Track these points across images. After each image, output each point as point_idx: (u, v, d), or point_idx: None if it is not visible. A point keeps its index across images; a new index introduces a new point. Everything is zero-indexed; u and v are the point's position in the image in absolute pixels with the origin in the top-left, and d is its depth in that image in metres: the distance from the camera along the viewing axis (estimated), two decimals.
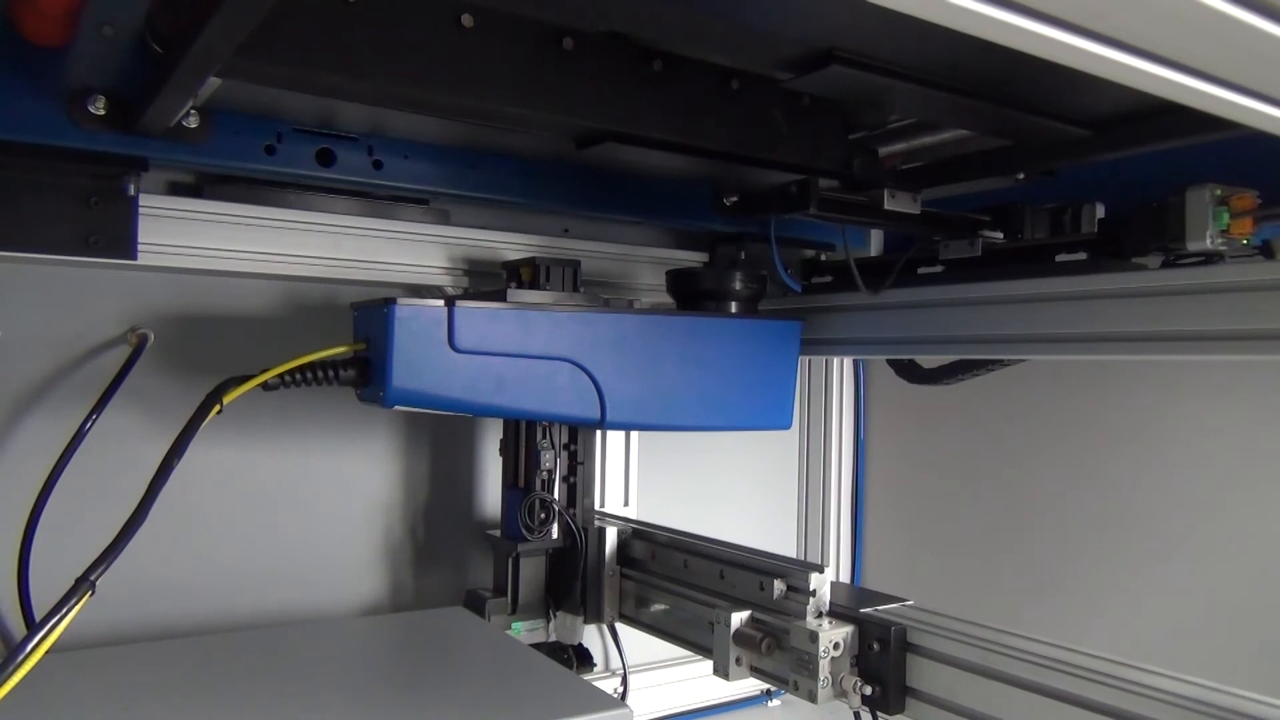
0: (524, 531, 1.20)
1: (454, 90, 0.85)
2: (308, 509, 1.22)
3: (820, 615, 0.96)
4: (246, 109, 0.96)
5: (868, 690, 0.92)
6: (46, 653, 0.65)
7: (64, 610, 0.67)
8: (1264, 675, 1.10)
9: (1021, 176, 1.12)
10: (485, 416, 1.31)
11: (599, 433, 1.30)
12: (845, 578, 1.63)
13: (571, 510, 1.26)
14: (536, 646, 1.16)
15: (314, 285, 1.19)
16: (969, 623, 0.93)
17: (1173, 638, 1.22)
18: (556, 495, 1.24)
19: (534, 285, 1.11)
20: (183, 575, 1.12)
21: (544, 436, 1.22)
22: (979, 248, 1.15)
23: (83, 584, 0.68)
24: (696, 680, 1.43)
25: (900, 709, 0.92)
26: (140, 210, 0.96)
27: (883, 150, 1.14)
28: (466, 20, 0.84)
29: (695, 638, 1.12)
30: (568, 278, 1.12)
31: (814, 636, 0.93)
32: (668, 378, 1.10)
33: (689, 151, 1.02)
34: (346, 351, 0.96)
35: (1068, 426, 1.34)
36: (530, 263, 1.13)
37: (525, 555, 1.23)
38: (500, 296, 1.02)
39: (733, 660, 1.02)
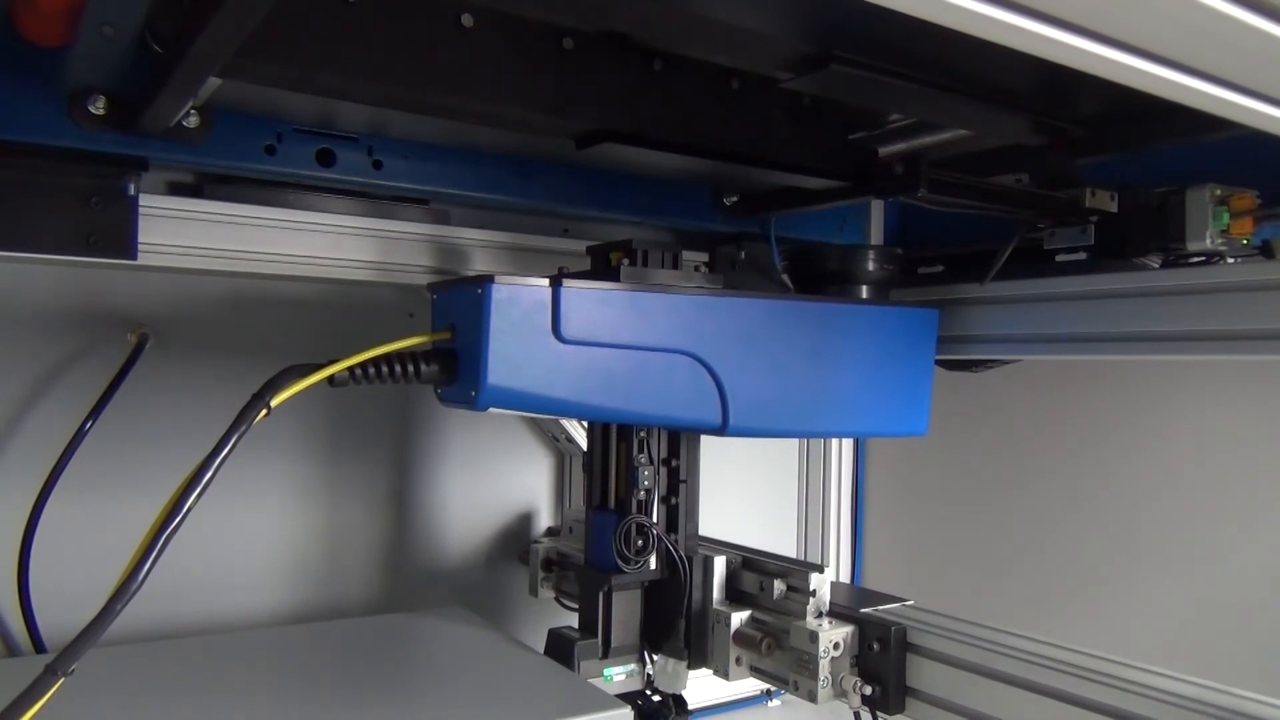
0: (619, 562, 1.03)
1: (454, 90, 0.85)
2: (306, 508, 1.22)
3: (820, 615, 0.97)
4: (246, 109, 0.96)
5: (868, 690, 0.92)
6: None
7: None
8: (1264, 675, 1.10)
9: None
10: (590, 420, 1.14)
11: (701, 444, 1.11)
12: (845, 578, 1.63)
13: (672, 536, 1.08)
14: (623, 696, 1.02)
15: (312, 286, 1.18)
16: (969, 623, 0.93)
17: (1173, 635, 1.22)
18: (655, 518, 1.06)
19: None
20: (182, 575, 1.12)
21: (640, 450, 1.04)
22: (1091, 235, 1.04)
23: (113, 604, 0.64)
24: (697, 680, 1.43)
25: (900, 709, 0.92)
26: (140, 210, 0.96)
27: (883, 150, 1.14)
28: (466, 20, 0.84)
29: None
30: (668, 265, 0.98)
31: (814, 636, 0.93)
32: (796, 375, 0.96)
33: (689, 151, 1.02)
34: (424, 342, 0.83)
35: (1067, 426, 1.34)
36: (624, 245, 0.98)
37: (619, 589, 1.06)
38: (607, 276, 0.89)
39: (733, 660, 1.02)
